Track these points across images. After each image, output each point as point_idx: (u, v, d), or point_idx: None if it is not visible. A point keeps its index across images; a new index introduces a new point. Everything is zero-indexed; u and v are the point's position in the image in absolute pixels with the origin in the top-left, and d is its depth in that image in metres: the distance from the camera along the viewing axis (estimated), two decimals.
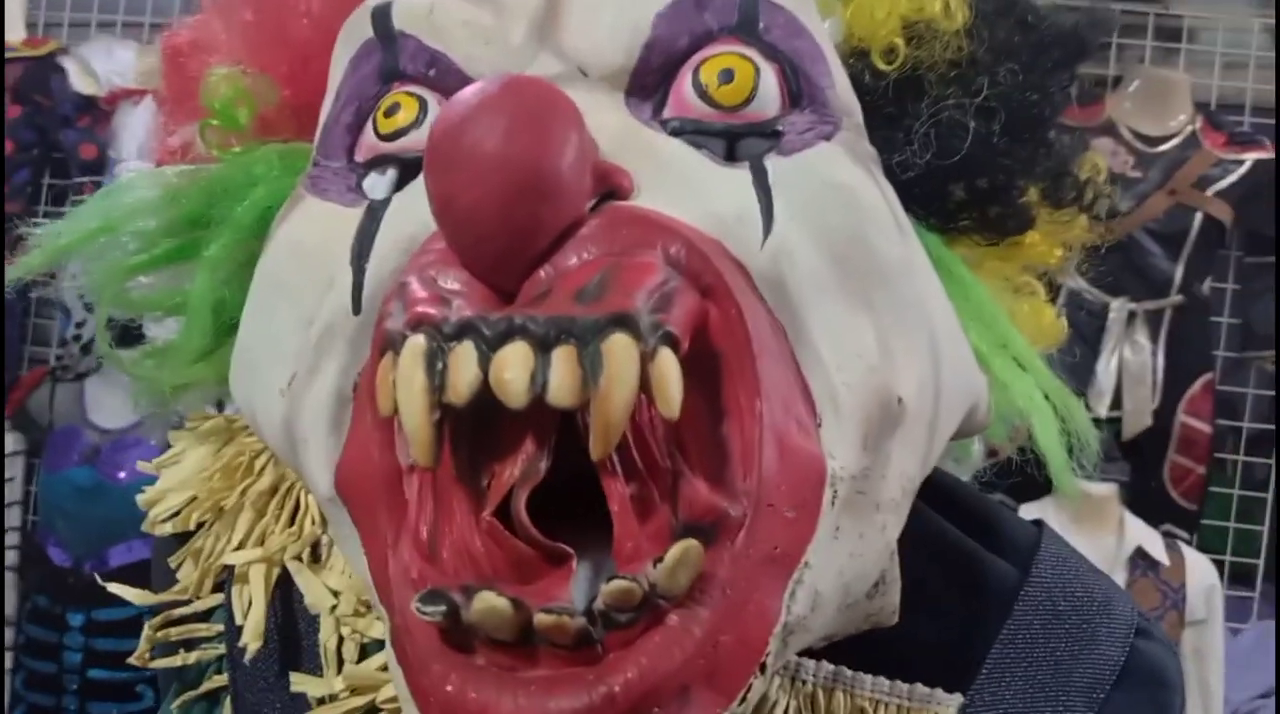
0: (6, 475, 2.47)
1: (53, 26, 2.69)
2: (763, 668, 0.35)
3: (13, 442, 2.50)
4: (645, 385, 0.33)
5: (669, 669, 0.32)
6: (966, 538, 0.49)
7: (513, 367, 0.32)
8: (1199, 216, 2.18)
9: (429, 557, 0.36)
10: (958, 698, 0.45)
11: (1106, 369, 2.14)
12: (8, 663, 2.41)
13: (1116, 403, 2.15)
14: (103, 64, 2.55)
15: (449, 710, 0.33)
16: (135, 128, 2.49)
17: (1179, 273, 2.18)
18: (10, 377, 2.56)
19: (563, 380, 0.32)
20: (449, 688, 0.33)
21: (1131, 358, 2.16)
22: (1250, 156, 2.20)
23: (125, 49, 2.57)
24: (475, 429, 0.35)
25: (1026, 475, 0.57)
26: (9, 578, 2.45)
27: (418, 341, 0.33)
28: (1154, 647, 0.49)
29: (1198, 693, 1.97)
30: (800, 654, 0.44)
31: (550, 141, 0.34)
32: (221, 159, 0.52)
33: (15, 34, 2.58)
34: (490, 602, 0.32)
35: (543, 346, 0.32)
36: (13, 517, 2.51)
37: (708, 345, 0.36)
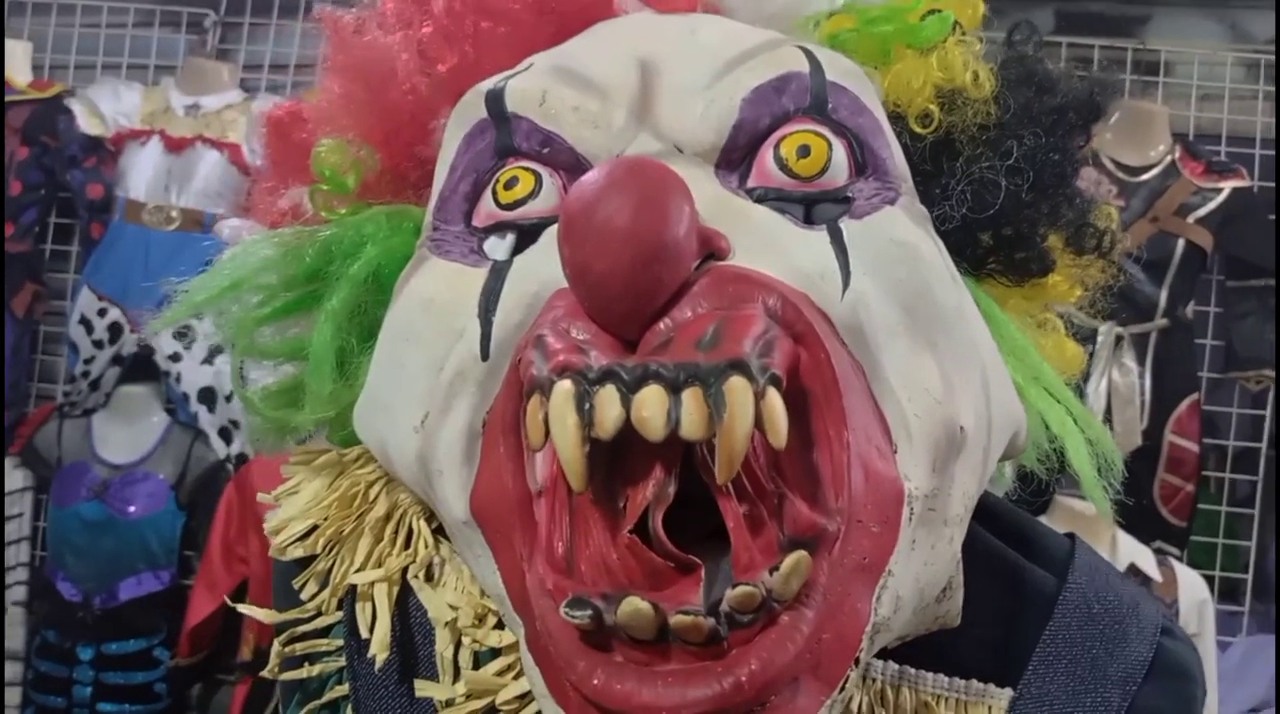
0: (15, 511, 2.49)
1: (58, 69, 2.73)
2: (856, 661, 0.41)
3: (21, 478, 2.51)
4: (756, 420, 0.39)
5: (784, 662, 0.38)
6: (1008, 549, 0.55)
7: (651, 406, 0.38)
8: (1181, 243, 2.25)
9: (564, 570, 0.42)
10: (1009, 692, 0.51)
11: (1096, 391, 2.20)
12: (17, 698, 2.42)
13: (1106, 423, 2.20)
14: (109, 105, 2.59)
15: (597, 700, 0.39)
16: (142, 167, 2.54)
17: (1163, 297, 2.25)
18: (18, 413, 2.58)
19: (694, 417, 0.38)
20: (595, 681, 0.39)
21: (1120, 380, 2.22)
22: (1228, 184, 2.28)
23: (131, 91, 2.61)
24: (609, 460, 0.41)
25: (1020, 497, 0.62)
26: (18, 614, 2.46)
27: (566, 386, 0.39)
28: (1178, 644, 0.54)
29: None
30: (876, 655, 0.49)
31: (669, 216, 0.40)
32: (330, 220, 0.58)
33: (22, 77, 2.62)
34: (636, 605, 0.38)
35: (673, 388, 0.38)
36: (21, 553, 2.52)
37: (799, 384, 0.42)
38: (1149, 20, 2.59)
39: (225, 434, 2.49)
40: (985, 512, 0.56)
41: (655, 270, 0.40)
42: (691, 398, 0.38)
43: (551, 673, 0.42)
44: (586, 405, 0.39)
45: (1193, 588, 2.04)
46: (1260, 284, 2.31)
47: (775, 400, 0.39)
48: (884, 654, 0.50)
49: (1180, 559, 2.18)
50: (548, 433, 0.40)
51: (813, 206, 0.48)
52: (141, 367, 2.49)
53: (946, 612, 0.47)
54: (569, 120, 0.49)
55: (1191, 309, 2.32)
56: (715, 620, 0.38)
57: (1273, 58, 2.46)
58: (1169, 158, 2.31)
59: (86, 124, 2.58)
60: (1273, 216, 2.32)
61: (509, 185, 0.50)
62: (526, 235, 0.49)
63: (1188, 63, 2.50)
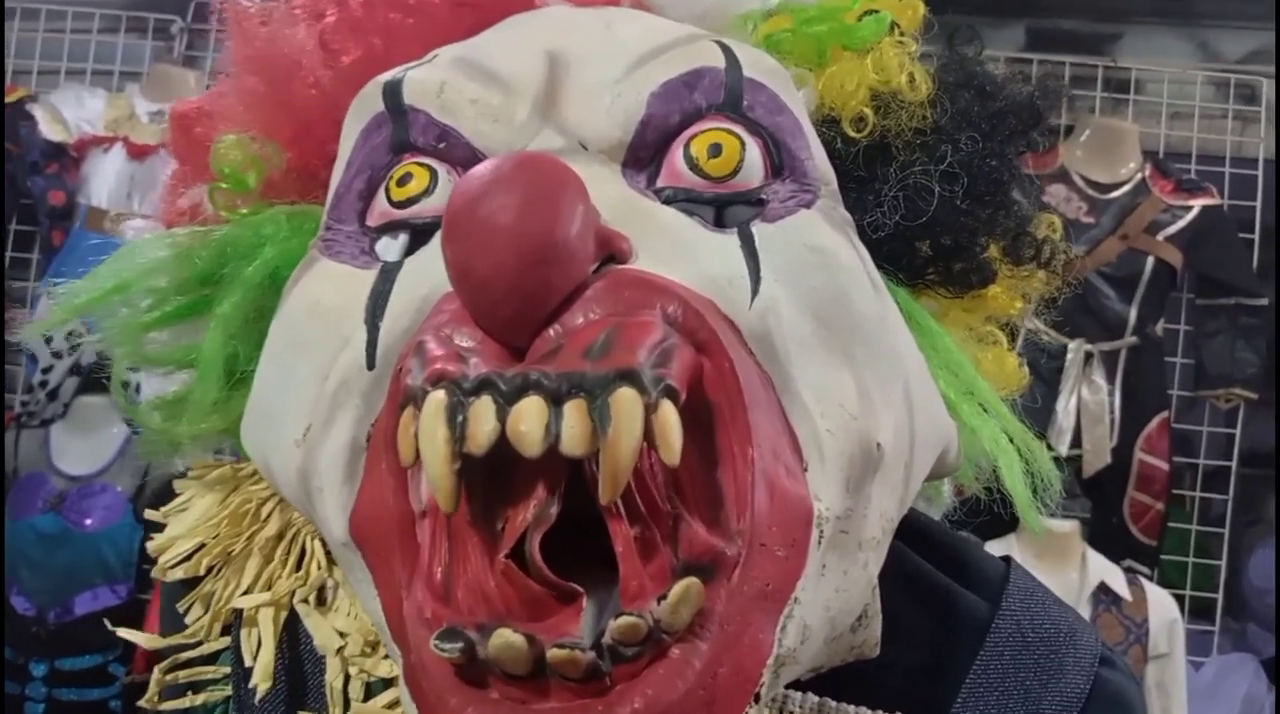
0: None
1: (21, 74, 2.70)
2: (756, 698, 0.37)
3: None
4: (648, 434, 0.36)
5: (672, 699, 0.35)
6: (939, 573, 0.53)
7: (528, 419, 0.35)
8: (1150, 260, 2.26)
9: (442, 597, 0.38)
10: None
11: (1065, 409, 2.20)
12: None
13: (1076, 441, 2.21)
14: (72, 111, 2.57)
15: None
16: (105, 174, 2.51)
17: (1133, 315, 2.26)
18: None
19: (574, 431, 0.35)
20: None
21: (1089, 397, 2.22)
22: (1198, 203, 2.29)
23: (94, 97, 2.59)
24: (488, 476, 0.38)
25: (993, 514, 0.60)
26: None
27: (439, 396, 0.36)
28: (1117, 675, 0.52)
29: None
30: (787, 686, 0.46)
31: (560, 214, 0.37)
32: (230, 220, 0.55)
33: None
34: (507, 638, 0.35)
35: (555, 400, 0.35)
36: None
37: (702, 397, 0.39)
38: (1120, 38, 2.61)
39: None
40: (915, 532, 0.53)
41: (543, 271, 0.37)
42: (574, 410, 0.35)
43: (425, 709, 0.38)
44: (459, 418, 0.36)
45: (1163, 607, 2.04)
46: (1230, 302, 2.32)
47: (668, 413, 0.36)
48: (802, 686, 0.47)
49: (1151, 578, 2.17)
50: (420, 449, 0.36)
51: (724, 209, 0.45)
52: (101, 377, 2.45)
53: (863, 641, 0.44)
54: (467, 113, 0.46)
55: (1161, 327, 2.32)
56: (597, 654, 0.35)
57: (1243, 77, 2.47)
58: (1139, 175, 2.32)
59: (49, 130, 2.55)
60: (1242, 235, 2.33)
61: (402, 182, 0.46)
62: (420, 235, 0.46)
63: (1158, 81, 2.51)
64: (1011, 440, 0.52)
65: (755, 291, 0.42)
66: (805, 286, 0.43)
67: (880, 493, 0.43)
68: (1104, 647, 0.52)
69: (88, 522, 2.35)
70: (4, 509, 2.33)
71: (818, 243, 0.44)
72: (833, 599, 0.41)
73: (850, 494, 0.42)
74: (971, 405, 0.53)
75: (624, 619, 0.35)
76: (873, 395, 0.43)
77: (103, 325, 0.53)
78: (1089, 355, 2.22)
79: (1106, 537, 2.20)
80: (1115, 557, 2.11)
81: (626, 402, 0.35)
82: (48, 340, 2.45)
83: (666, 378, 0.36)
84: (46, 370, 2.45)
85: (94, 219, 2.50)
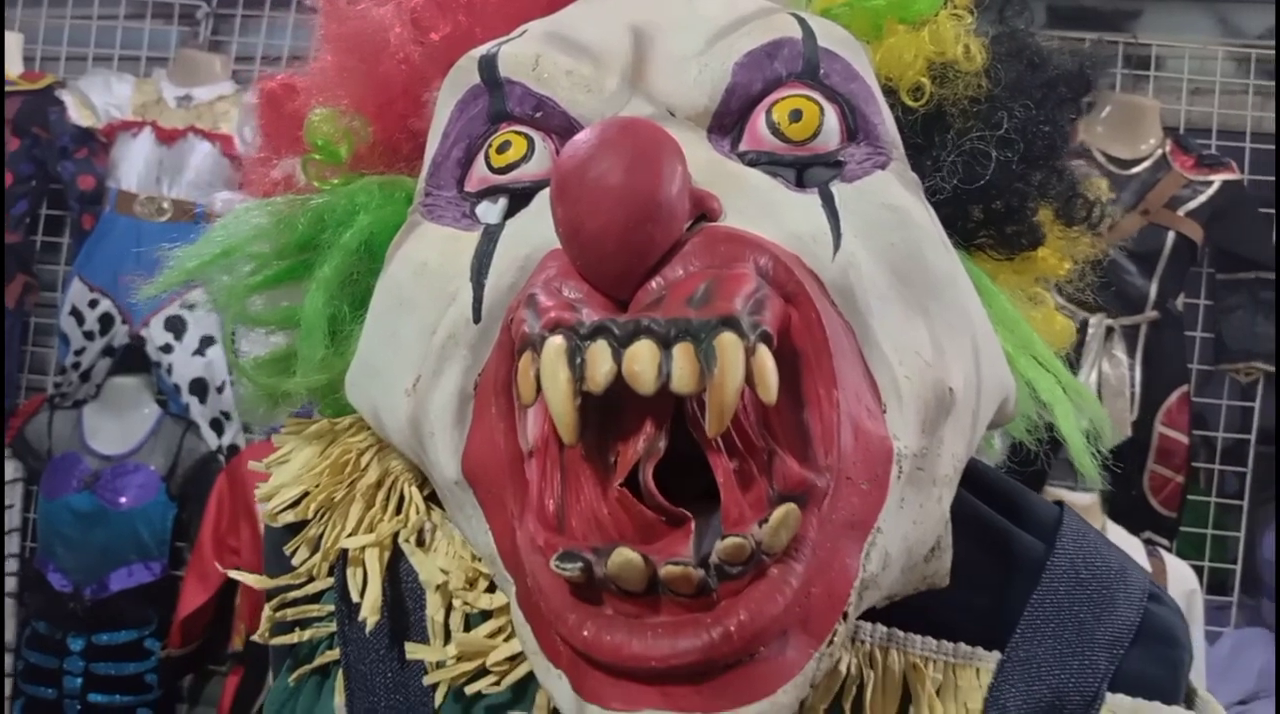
0: (6, 503, 2.48)
1: (50, 60, 2.72)
2: (845, 616, 0.41)
3: (11, 469, 2.51)
4: (747, 376, 0.39)
5: (773, 613, 0.38)
6: (997, 515, 0.56)
7: (642, 360, 0.38)
8: (1171, 236, 2.26)
9: (554, 527, 0.42)
10: (996, 654, 0.51)
11: (1086, 382, 2.21)
12: (8, 689, 2.41)
13: None
14: (100, 97, 2.59)
15: (587, 652, 0.39)
16: (133, 158, 2.53)
17: (1153, 290, 2.26)
18: (9, 404, 2.57)
19: (684, 371, 0.38)
20: (585, 633, 0.39)
21: (1110, 371, 2.23)
22: (1218, 178, 2.29)
23: (122, 82, 2.60)
24: (601, 415, 0.41)
25: (1026, 476, 0.63)
26: (9, 605, 2.46)
27: (558, 341, 0.39)
28: (1164, 610, 0.55)
29: None
30: (859, 617, 0.50)
31: (661, 175, 0.41)
32: (323, 190, 0.58)
33: (14, 68, 2.61)
34: (626, 555, 0.38)
35: (664, 344, 0.39)
36: (12, 544, 2.52)
37: (790, 344, 0.43)
38: (1140, 15, 2.60)
39: (217, 425, 2.49)
40: (974, 479, 0.56)
41: (648, 228, 0.40)
42: (682, 353, 0.38)
43: (542, 628, 0.42)
44: (578, 360, 0.39)
45: (1181, 578, 2.04)
46: (1250, 277, 2.32)
47: (766, 356, 0.39)
48: (873, 616, 0.50)
49: (1169, 550, 2.18)
50: (539, 390, 0.40)
51: (804, 170, 0.48)
52: (133, 358, 2.49)
53: (935, 571, 0.48)
54: (562, 84, 0.50)
55: (1181, 301, 2.33)
56: (705, 572, 0.38)
57: (1264, 52, 2.47)
58: (1160, 151, 2.32)
59: (78, 115, 2.57)
60: (1262, 209, 2.33)
61: (501, 149, 0.50)
62: (519, 199, 0.49)
63: (1179, 57, 2.50)
64: (1066, 392, 0.56)
65: (837, 247, 0.45)
66: (883, 243, 0.46)
67: (951, 434, 0.46)
68: (1152, 584, 0.55)
69: (122, 500, 2.39)
70: (3, 503, 2.37)
71: (893, 202, 0.48)
72: (910, 530, 0.44)
73: (925, 434, 0.45)
74: (1027, 359, 0.56)
75: (730, 540, 0.38)
76: (944, 345, 0.46)
77: (210, 288, 0.57)
78: (1110, 330, 2.23)
79: (1126, 509, 2.22)
80: (1134, 529, 2.13)
81: (730, 344, 0.38)
82: (80, 321, 2.49)
83: (763, 325, 0.40)
84: (79, 352, 2.48)
85: (124, 203, 2.52)
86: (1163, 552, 2.10)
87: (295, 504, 0.55)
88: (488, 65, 0.51)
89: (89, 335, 2.49)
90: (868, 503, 0.42)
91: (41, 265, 2.67)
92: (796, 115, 0.49)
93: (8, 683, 2.43)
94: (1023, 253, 0.60)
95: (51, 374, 2.65)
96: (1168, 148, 2.32)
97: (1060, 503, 0.58)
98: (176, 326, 2.46)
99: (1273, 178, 2.34)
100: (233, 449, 2.47)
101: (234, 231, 0.57)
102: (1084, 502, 2.05)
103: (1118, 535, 2.05)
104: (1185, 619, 0.56)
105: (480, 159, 0.51)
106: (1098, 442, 0.56)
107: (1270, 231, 2.35)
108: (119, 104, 2.59)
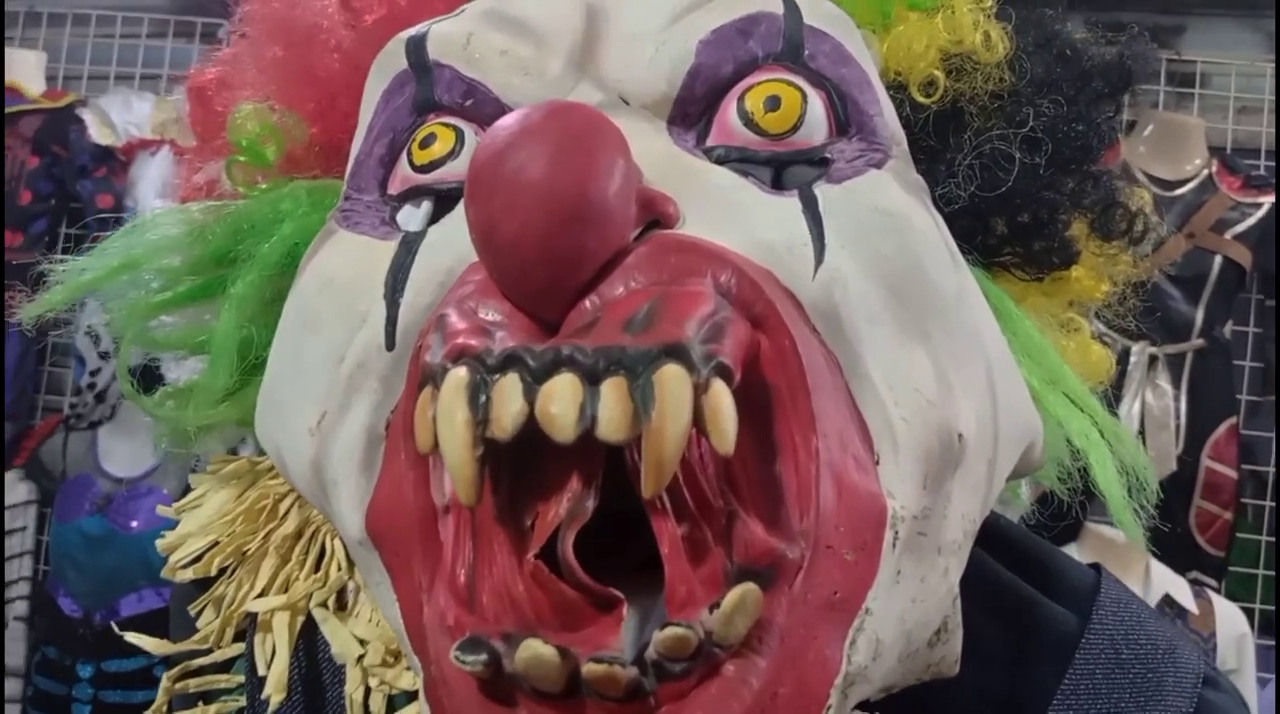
0: (19, 525, 2.47)
1: (71, 79, 2.74)
2: None
3: (25, 491, 2.51)
4: (698, 419, 0.31)
5: None
6: (1022, 582, 0.48)
7: (560, 400, 0.30)
8: (1218, 260, 2.19)
9: (466, 602, 0.34)
10: None
11: (1129, 414, 2.13)
12: None
13: None
14: (120, 115, 2.60)
15: None
16: (152, 178, 2.53)
17: (1199, 316, 2.18)
18: (23, 425, 2.57)
19: (613, 414, 0.30)
20: None
21: (1154, 403, 2.15)
22: (1267, 200, 2.21)
23: (143, 101, 2.62)
24: (517, 466, 0.34)
25: (1055, 519, 0.55)
26: (19, 629, 2.44)
27: (459, 374, 0.32)
28: (1222, 697, 0.47)
29: None
30: (855, 708, 0.42)
31: (595, 168, 0.33)
32: (248, 196, 0.51)
33: (35, 86, 2.63)
34: (536, 650, 0.30)
35: (591, 378, 0.31)
36: (24, 567, 2.51)
37: (759, 378, 0.35)
38: (1184, 31, 2.52)
39: (232, 450, 2.46)
40: (995, 538, 0.48)
41: (576, 232, 0.33)
42: (612, 390, 0.31)
43: None
44: (483, 398, 0.31)
45: (1231, 621, 1.98)
46: None
47: (721, 395, 0.31)
48: (869, 708, 0.42)
49: (1218, 591, 2.10)
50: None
51: (783, 169, 0.41)
52: (148, 379, 2.46)
53: (941, 659, 0.39)
54: (495, 66, 0.42)
55: (1229, 329, 2.25)
56: (639, 670, 0.30)
57: None
58: (1205, 172, 2.25)
59: (98, 134, 2.59)
60: None
61: (425, 144, 0.42)
62: (444, 202, 0.42)
63: (1224, 74, 2.43)
64: (1103, 435, 0.47)
65: (819, 260, 0.37)
66: (875, 254, 0.38)
67: (961, 490, 0.38)
68: (1207, 665, 0.47)
69: (134, 524, 2.36)
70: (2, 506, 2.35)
71: (889, 206, 0.39)
72: (909, 610, 0.36)
73: (928, 491, 0.37)
74: (1056, 396, 0.48)
75: (671, 630, 0.30)
76: (951, 379, 0.38)
77: (109, 306, 0.50)
78: (1153, 359, 2.15)
79: (1171, 547, 2.12)
80: (1180, 568, 2.04)
81: (673, 379, 0.30)
82: (95, 342, 2.47)
83: (719, 355, 0.32)
84: (94, 372, 2.48)
85: None
86: (1210, 593, 2.03)
87: (202, 557, 0.48)
88: (415, 47, 0.44)
89: (104, 355, 2.49)
90: (853, 577, 0.34)
91: (59, 284, 2.65)
92: (774, 103, 0.41)
93: (18, 709, 2.41)
94: (1053, 273, 0.52)
95: (68, 395, 2.64)
96: (1214, 168, 2.25)
97: (1097, 566, 0.50)
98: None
99: None
100: None
101: (138, 241, 0.50)
102: (1125, 539, 1.96)
103: (1162, 576, 1.97)
104: (1246, 707, 0.47)
105: (404, 156, 0.43)
106: (1140, 493, 0.48)
107: None
108: (138, 122, 2.61)
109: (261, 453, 0.54)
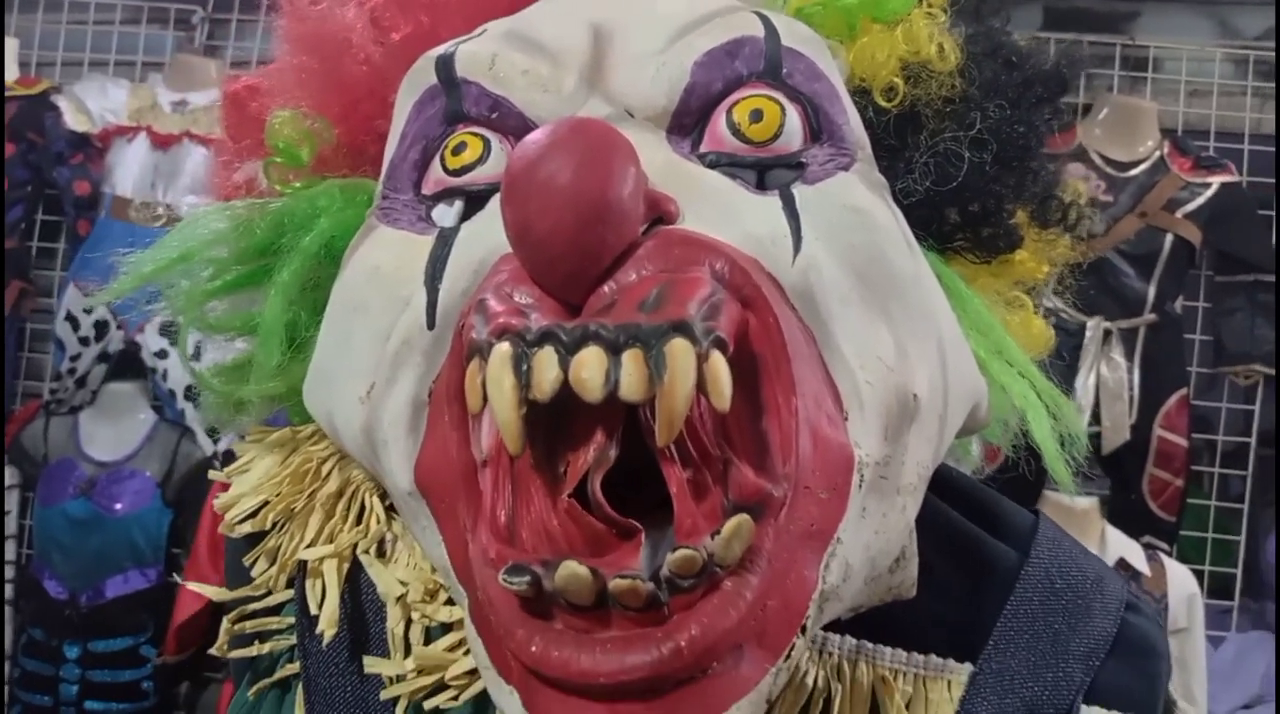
0: (6, 509, 2.48)
1: (46, 66, 2.72)
2: (803, 629, 0.40)
3: (8, 475, 2.50)
4: (700, 383, 0.38)
5: (726, 627, 0.37)
6: (971, 524, 0.54)
7: (589, 367, 0.37)
8: (1169, 238, 2.25)
9: (506, 539, 0.41)
10: (968, 667, 0.50)
11: (1084, 386, 2.20)
12: (3, 697, 2.41)
13: (1095, 419, 2.21)
14: (96, 102, 2.58)
15: (535, 668, 0.38)
16: (129, 164, 2.53)
17: (1151, 292, 2.25)
18: (4, 411, 2.57)
19: (633, 378, 0.37)
20: (533, 649, 0.38)
21: (1108, 375, 2.22)
22: (1216, 180, 2.28)
23: (118, 87, 2.60)
24: (550, 424, 0.40)
25: (1014, 489, 0.62)
26: (5, 612, 2.45)
27: (504, 347, 0.38)
28: (1142, 620, 0.54)
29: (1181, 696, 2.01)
30: (826, 628, 0.48)
31: (613, 175, 0.40)
32: (284, 193, 0.57)
33: (9, 73, 2.60)
34: (573, 569, 0.37)
35: (613, 350, 0.38)
36: (8, 551, 2.51)
37: (749, 349, 0.41)
38: (1137, 17, 2.60)
39: (212, 431, 2.47)
40: (947, 486, 0.55)
41: (599, 230, 0.39)
42: (631, 359, 0.37)
43: (493, 643, 0.41)
44: (524, 367, 0.38)
45: (1182, 583, 2.04)
46: (1248, 279, 2.31)
47: (719, 363, 0.38)
48: (840, 628, 0.49)
49: (1170, 554, 2.17)
50: (487, 398, 0.39)
51: (765, 172, 0.47)
52: (128, 363, 2.48)
53: (900, 582, 0.46)
54: (518, 84, 0.49)
55: (1180, 304, 2.32)
56: (655, 585, 0.37)
57: (1262, 53, 2.46)
58: (1158, 153, 2.31)
59: (73, 121, 2.56)
60: (1260, 211, 2.32)
61: (457, 151, 0.49)
62: (474, 202, 0.48)
63: (1176, 59, 2.50)
64: (1040, 397, 0.54)
65: (797, 250, 0.44)
66: (845, 245, 0.45)
67: (916, 442, 0.45)
68: (1130, 593, 0.54)
69: (117, 506, 2.38)
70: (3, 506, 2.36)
71: (856, 203, 0.46)
72: (872, 540, 0.43)
73: (888, 442, 0.44)
74: (1000, 364, 0.55)
75: (681, 552, 0.37)
76: (909, 349, 0.45)
77: (167, 294, 0.56)
78: (1108, 333, 2.22)
79: (1125, 513, 2.21)
80: (1134, 533, 2.11)
81: (680, 350, 0.37)
82: (75, 327, 2.48)
83: (716, 330, 0.38)
84: (75, 358, 2.47)
85: (119, 208, 2.51)
86: (1163, 555, 2.09)
87: (254, 514, 0.54)
88: (444, 65, 0.50)
89: (84, 341, 2.48)
90: (827, 512, 0.41)
91: (37, 271, 2.66)
92: (757, 116, 0.48)
93: (4, 691, 2.42)
94: (1000, 256, 0.58)
95: (48, 380, 2.65)
96: (1166, 150, 2.32)
97: (1037, 511, 0.57)
98: (171, 332, 2.44)
99: (1271, 179, 2.33)
100: (228, 455, 2.44)
101: (191, 236, 0.56)
102: (1082, 505, 2.04)
103: (1117, 540, 2.04)
104: (1163, 629, 0.55)
105: (436, 161, 0.50)
106: (1073, 448, 0.55)
107: (1269, 234, 2.34)
108: (114, 109, 2.58)
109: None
